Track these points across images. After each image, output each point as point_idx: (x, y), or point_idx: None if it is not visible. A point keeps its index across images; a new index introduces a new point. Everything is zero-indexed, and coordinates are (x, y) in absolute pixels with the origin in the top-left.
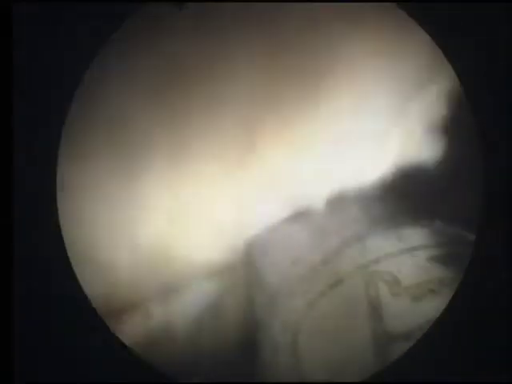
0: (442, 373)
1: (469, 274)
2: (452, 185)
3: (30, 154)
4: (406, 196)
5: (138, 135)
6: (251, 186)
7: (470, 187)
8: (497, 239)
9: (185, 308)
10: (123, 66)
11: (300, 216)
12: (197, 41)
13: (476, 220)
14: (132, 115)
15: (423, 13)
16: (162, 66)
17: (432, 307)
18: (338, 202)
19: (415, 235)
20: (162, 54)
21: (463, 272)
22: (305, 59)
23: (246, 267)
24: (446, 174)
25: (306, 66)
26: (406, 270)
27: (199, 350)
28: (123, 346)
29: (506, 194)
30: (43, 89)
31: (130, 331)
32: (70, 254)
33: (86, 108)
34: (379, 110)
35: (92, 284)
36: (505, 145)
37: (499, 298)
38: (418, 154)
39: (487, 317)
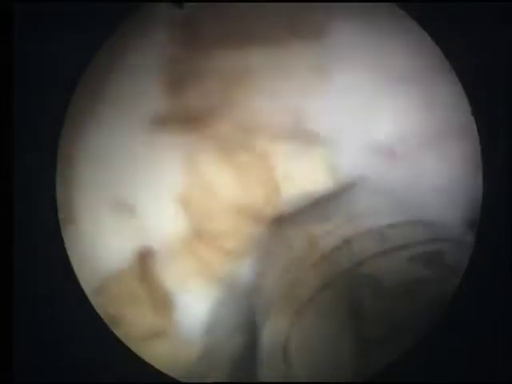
0: (442, 373)
1: (468, 274)
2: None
3: (31, 152)
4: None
5: None
6: None
7: (467, 185)
8: (497, 239)
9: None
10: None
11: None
12: None
13: (475, 220)
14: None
15: (423, 13)
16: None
17: (412, 310)
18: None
19: (400, 233)
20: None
21: (462, 272)
22: None
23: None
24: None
25: None
26: (389, 272)
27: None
28: (123, 345)
29: (506, 194)
30: (43, 88)
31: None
32: (70, 254)
33: (86, 107)
34: None
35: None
36: (505, 144)
37: (499, 299)
38: None
39: (486, 317)
